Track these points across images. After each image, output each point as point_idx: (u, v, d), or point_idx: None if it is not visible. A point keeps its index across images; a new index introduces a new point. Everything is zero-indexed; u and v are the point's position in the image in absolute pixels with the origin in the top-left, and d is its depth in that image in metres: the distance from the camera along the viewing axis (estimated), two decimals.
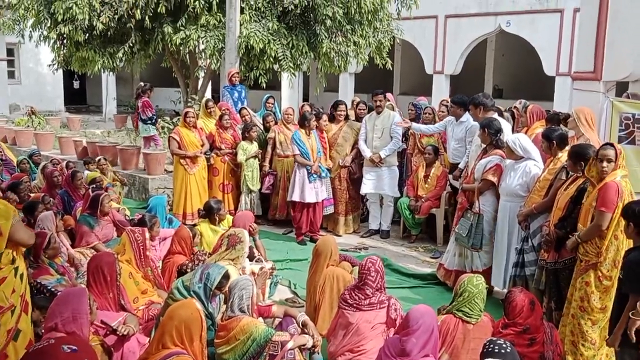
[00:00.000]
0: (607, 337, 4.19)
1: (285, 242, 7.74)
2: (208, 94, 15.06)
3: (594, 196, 4.27)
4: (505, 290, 5.61)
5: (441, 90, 16.52)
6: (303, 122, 7.58)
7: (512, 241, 5.57)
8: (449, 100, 7.93)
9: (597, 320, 4.26)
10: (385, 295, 4.32)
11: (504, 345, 3.09)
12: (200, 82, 14.39)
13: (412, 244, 7.69)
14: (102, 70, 13.99)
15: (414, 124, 7.66)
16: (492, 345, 3.10)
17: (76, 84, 21.21)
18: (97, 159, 8.84)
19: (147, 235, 5.07)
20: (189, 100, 12.47)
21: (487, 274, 5.73)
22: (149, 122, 10.50)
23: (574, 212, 4.60)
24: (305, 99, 20.29)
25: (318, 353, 4.13)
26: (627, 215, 3.60)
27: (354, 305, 4.27)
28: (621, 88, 7.07)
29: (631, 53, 5.59)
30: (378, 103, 7.70)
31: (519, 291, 3.98)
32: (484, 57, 18.72)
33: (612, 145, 4.31)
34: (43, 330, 3.43)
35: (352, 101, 10.24)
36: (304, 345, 3.95)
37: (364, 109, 8.41)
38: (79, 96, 23.80)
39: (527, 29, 15.16)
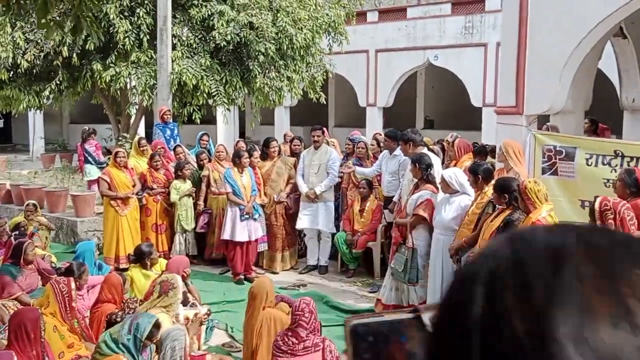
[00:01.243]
0: None
1: (222, 282, 7.58)
2: (141, 131, 14.79)
3: None
4: None
5: (374, 122, 16.84)
6: (235, 159, 7.52)
7: (446, 274, 5.66)
8: (382, 134, 8.07)
9: None
10: (319, 337, 4.27)
11: None
12: (132, 119, 14.13)
13: (350, 278, 7.68)
14: (27, 109, 13.56)
15: (358, 169, 7.72)
16: None
17: (0, 123, 20.33)
18: (25, 204, 8.48)
19: (73, 285, 4.84)
20: (120, 138, 12.19)
21: None
22: (101, 164, 10.77)
23: None
24: (242, 132, 20.24)
25: None
26: None
27: (289, 351, 4.19)
28: (543, 121, 7.40)
29: (550, 87, 5.85)
30: (316, 138, 7.75)
31: None
32: (415, 89, 19.28)
33: None
34: None
35: (285, 135, 10.30)
36: None
37: (298, 145, 8.44)
38: (3, 135, 22.81)
39: (453, 62, 15.75)
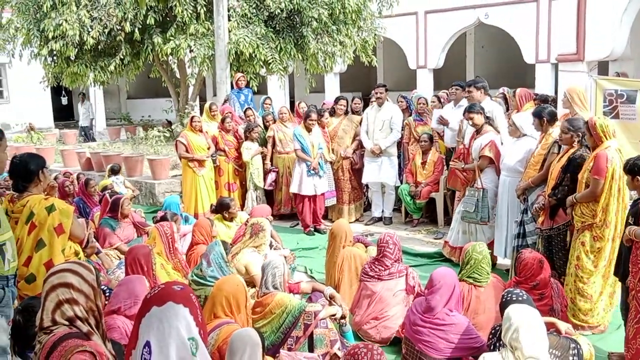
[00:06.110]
0: (602, 291, 4.63)
1: (293, 234, 8.10)
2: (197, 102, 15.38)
3: (589, 164, 4.67)
4: (507, 260, 6.04)
5: (425, 84, 16.97)
6: (305, 119, 7.96)
7: (511, 214, 5.97)
8: (438, 94, 8.32)
9: (591, 276, 4.66)
10: (402, 265, 4.70)
11: (520, 294, 3.48)
12: (190, 90, 14.70)
13: (414, 227, 8.08)
14: (92, 84, 14.28)
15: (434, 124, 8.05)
16: (509, 295, 3.49)
17: (64, 100, 21.33)
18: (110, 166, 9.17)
19: (175, 228, 5.40)
20: (186, 107, 12.77)
21: (491, 247, 6.13)
22: None
23: (565, 180, 5.01)
24: (291, 100, 20.62)
25: (346, 324, 4.46)
26: (632, 171, 3.99)
27: (375, 276, 4.65)
28: (602, 68, 7.54)
29: (610, 32, 6.01)
30: (378, 95, 8.07)
31: (528, 252, 4.37)
32: (464, 49, 19.22)
33: None
34: None
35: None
36: (334, 315, 4.31)
37: (358, 104, 8.79)
38: (66, 112, 23.91)
39: (504, 19, 15.64)
